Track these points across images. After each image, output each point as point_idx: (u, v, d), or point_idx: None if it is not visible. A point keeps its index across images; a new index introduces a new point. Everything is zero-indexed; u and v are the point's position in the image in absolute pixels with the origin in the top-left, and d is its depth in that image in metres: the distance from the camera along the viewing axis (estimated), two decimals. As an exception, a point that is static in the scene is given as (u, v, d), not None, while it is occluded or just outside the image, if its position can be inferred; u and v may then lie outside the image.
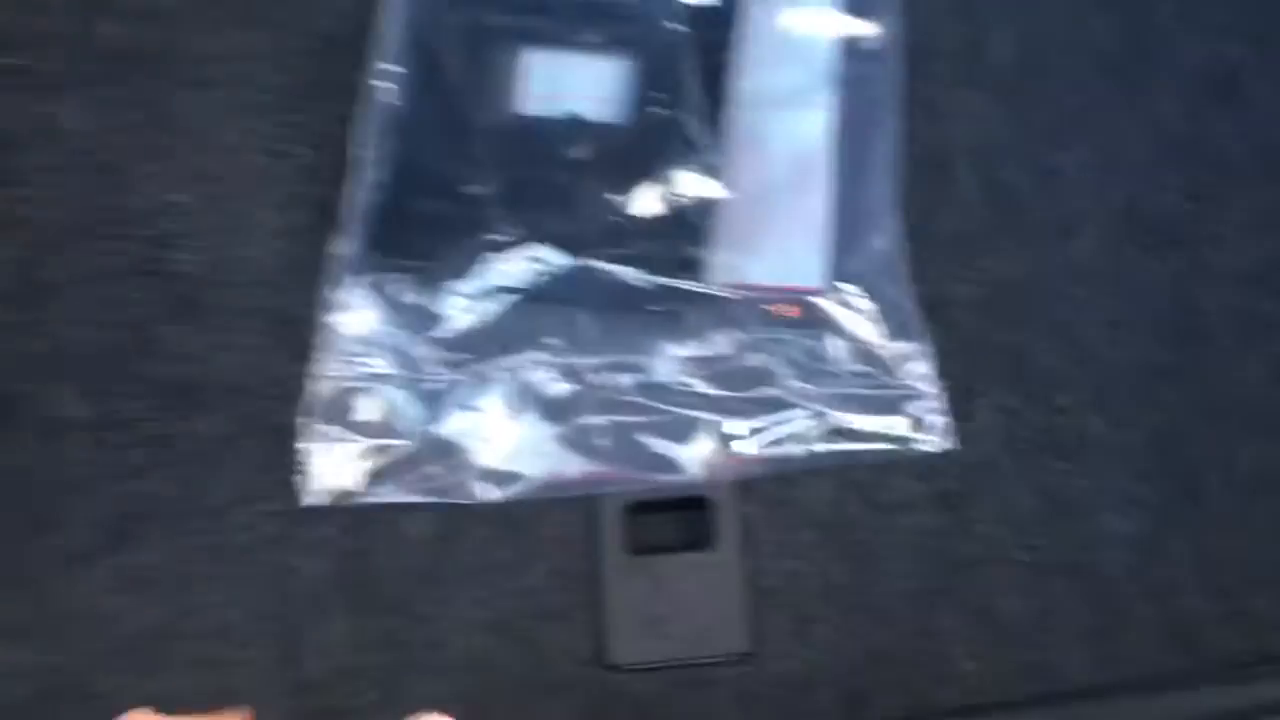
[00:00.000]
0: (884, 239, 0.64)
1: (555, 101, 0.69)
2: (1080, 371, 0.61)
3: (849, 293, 0.62)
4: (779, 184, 0.67)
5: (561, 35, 0.71)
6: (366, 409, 0.61)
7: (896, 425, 0.59)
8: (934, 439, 0.58)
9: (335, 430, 0.60)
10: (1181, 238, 0.63)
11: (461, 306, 0.62)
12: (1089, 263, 0.63)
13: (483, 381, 0.61)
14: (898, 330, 0.61)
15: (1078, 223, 0.63)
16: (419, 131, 0.68)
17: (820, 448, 0.59)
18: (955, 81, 0.67)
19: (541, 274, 0.62)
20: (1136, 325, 0.61)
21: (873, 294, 0.62)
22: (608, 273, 0.62)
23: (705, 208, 0.64)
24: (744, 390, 0.60)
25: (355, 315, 0.63)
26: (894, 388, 0.60)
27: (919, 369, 0.60)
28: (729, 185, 0.65)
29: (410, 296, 0.63)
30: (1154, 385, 0.60)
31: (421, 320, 0.62)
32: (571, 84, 0.70)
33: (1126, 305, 0.62)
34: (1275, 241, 0.62)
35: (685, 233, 0.64)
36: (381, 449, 0.60)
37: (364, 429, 0.60)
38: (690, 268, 0.63)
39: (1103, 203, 0.64)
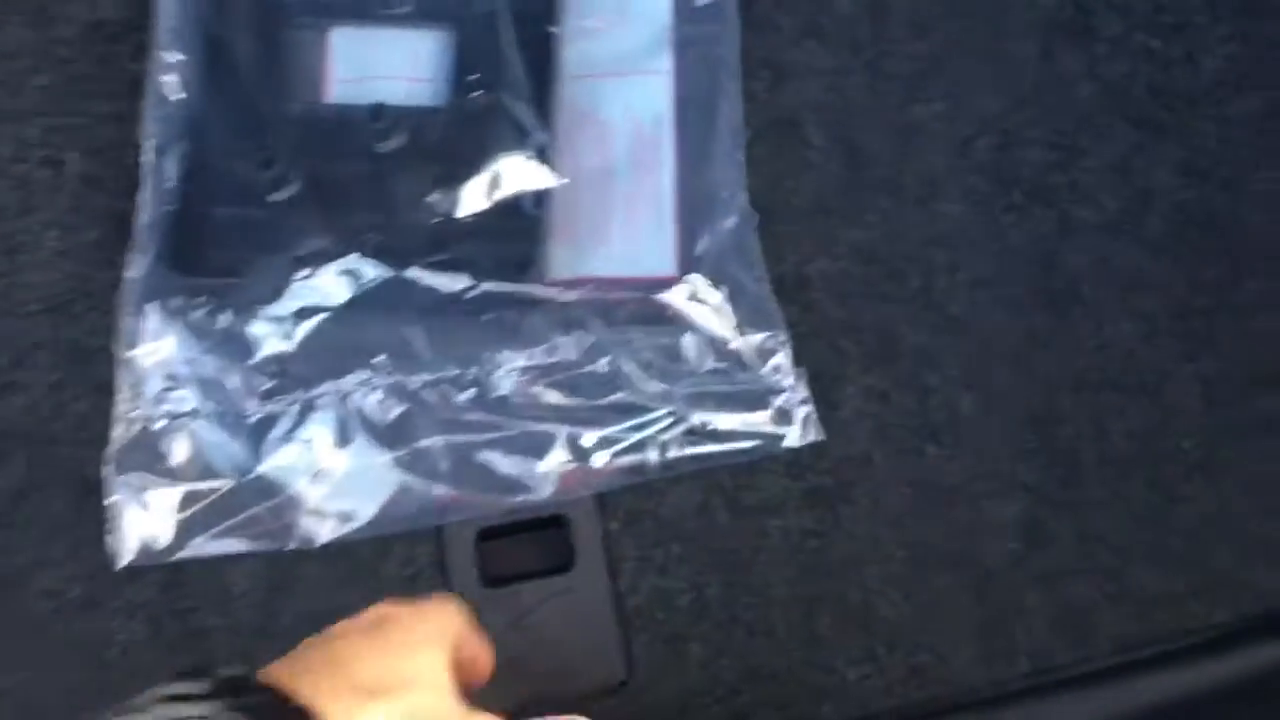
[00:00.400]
0: (734, 217, 0.59)
1: (363, 86, 0.63)
2: (949, 346, 0.58)
3: (700, 281, 0.57)
4: (619, 163, 0.62)
5: (365, 9, 0.64)
6: (178, 451, 0.55)
7: (758, 422, 0.55)
8: (798, 433, 0.54)
9: (145, 478, 0.54)
10: (1046, 192, 0.59)
11: (275, 329, 0.57)
12: (953, 226, 0.59)
13: (306, 410, 0.56)
14: (754, 318, 0.57)
15: (939, 182, 0.60)
16: (212, 129, 0.61)
17: (680, 452, 0.55)
18: (799, 35, 0.63)
19: (361, 286, 0.56)
20: (1005, 291, 0.59)
21: (725, 280, 0.57)
22: (434, 280, 0.56)
23: (538, 198, 0.59)
24: (594, 397, 0.56)
25: (157, 345, 0.57)
26: (754, 382, 0.56)
27: (779, 359, 0.56)
28: (563, 170, 0.60)
29: (218, 320, 0.57)
30: (1026, 355, 0.58)
31: (232, 346, 0.57)
32: (380, 65, 0.64)
33: (993, 269, 0.59)
34: (1135, 189, 0.59)
35: (517, 228, 0.59)
36: (199, 495, 0.54)
37: (177, 473, 0.54)
38: (526, 266, 0.58)
39: (964, 158, 0.60)
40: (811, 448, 0.57)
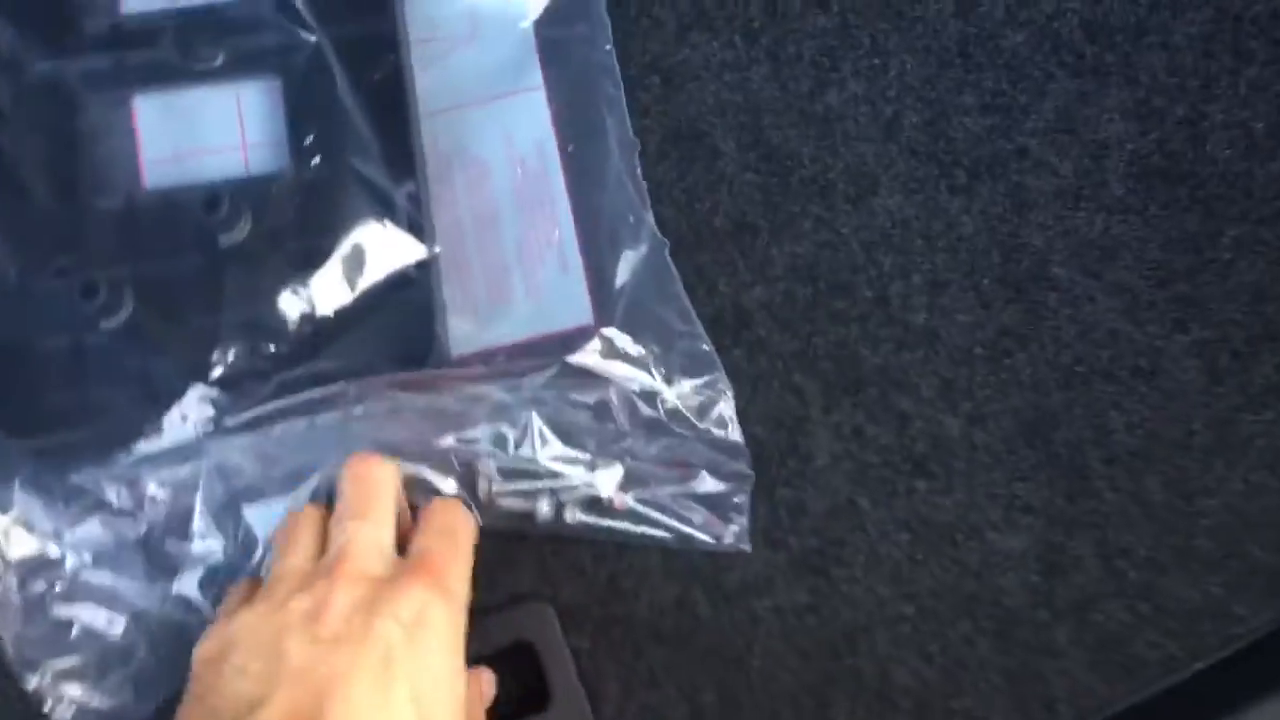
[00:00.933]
0: (644, 246, 0.52)
1: (185, 165, 0.53)
2: (918, 362, 0.52)
3: (616, 333, 0.49)
4: (505, 205, 0.54)
5: (168, 67, 0.54)
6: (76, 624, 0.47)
7: (692, 514, 0.48)
8: (730, 535, 0.48)
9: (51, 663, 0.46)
10: (991, 164, 0.54)
11: (143, 474, 0.47)
12: (897, 222, 0.53)
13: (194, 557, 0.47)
14: (687, 364, 0.49)
15: (872, 174, 0.53)
16: (13, 253, 0.50)
17: (626, 527, 0.48)
18: (683, 28, 0.55)
19: (226, 411, 0.47)
20: (967, 288, 0.52)
21: (647, 323, 0.50)
22: (310, 394, 0.47)
23: (416, 267, 0.50)
24: (515, 481, 0.48)
25: (17, 529, 0.48)
26: (695, 440, 0.49)
27: (721, 409, 0.49)
28: (441, 225, 0.52)
29: (75, 478, 0.48)
30: (1004, 357, 0.51)
31: (95, 503, 0.47)
32: (200, 134, 0.54)
33: (951, 265, 0.53)
34: (1088, 145, 0.53)
35: (399, 310, 0.49)
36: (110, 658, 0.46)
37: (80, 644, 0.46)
38: (421, 356, 0.49)
39: (893, 141, 0.53)
40: (789, 509, 0.50)
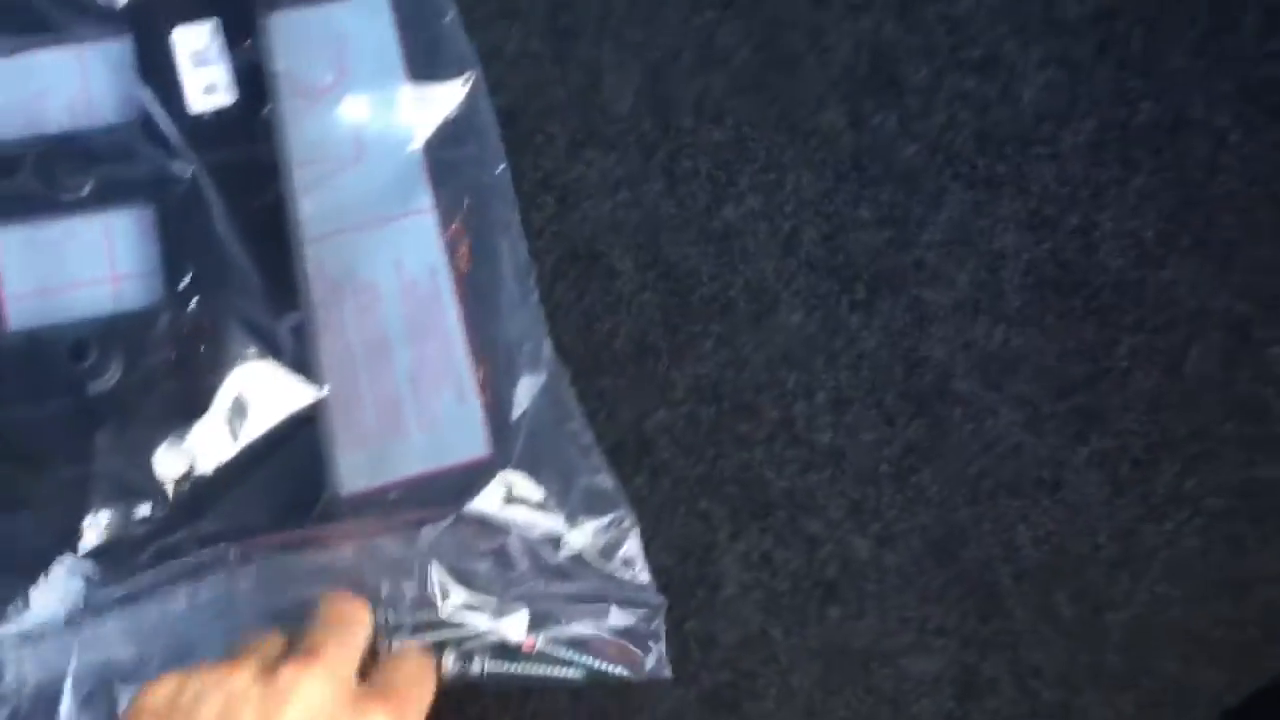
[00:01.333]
0: (542, 374, 0.50)
1: (51, 301, 0.51)
2: (825, 482, 0.51)
3: (513, 475, 0.48)
4: (396, 333, 0.52)
5: (32, 198, 0.51)
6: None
7: (602, 647, 0.47)
8: (650, 663, 0.47)
9: None
10: (890, 277, 0.55)
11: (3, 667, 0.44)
12: (798, 339, 0.54)
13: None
14: (589, 501, 0.48)
15: (772, 291, 0.53)
16: None
17: (539, 670, 0.46)
18: (576, 145, 0.54)
19: (98, 586, 0.44)
20: (871, 404, 0.52)
21: (545, 457, 0.48)
22: (198, 557, 0.45)
23: (305, 412, 0.48)
24: (419, 635, 0.46)
25: None
26: (599, 581, 0.47)
27: (627, 548, 0.48)
28: (329, 357, 0.50)
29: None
30: (909, 474, 0.51)
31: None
32: (66, 268, 0.51)
33: (853, 381, 0.53)
34: (983, 255, 0.53)
35: (287, 455, 0.47)
36: None
37: None
38: (308, 496, 0.47)
39: (792, 256, 0.53)
40: (699, 642, 0.48)
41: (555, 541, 0.49)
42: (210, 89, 0.52)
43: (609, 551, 0.49)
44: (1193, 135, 0.57)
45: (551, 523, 0.49)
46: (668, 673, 0.49)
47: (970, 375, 0.54)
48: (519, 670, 0.48)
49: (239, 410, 0.47)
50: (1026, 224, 0.56)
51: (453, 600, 0.47)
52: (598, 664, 0.48)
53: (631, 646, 0.49)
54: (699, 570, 0.50)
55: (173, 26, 0.53)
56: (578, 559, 0.48)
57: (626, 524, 0.49)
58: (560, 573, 0.48)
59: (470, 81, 0.54)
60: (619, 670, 0.48)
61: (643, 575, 0.48)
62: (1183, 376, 0.54)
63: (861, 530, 0.52)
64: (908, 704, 0.49)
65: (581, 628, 0.49)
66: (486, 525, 0.48)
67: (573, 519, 0.49)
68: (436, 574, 0.47)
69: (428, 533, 0.48)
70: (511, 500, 0.49)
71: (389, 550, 0.48)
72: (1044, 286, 0.55)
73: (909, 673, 0.50)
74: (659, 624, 0.49)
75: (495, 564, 0.48)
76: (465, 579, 0.48)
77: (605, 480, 0.50)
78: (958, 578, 0.51)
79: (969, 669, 0.50)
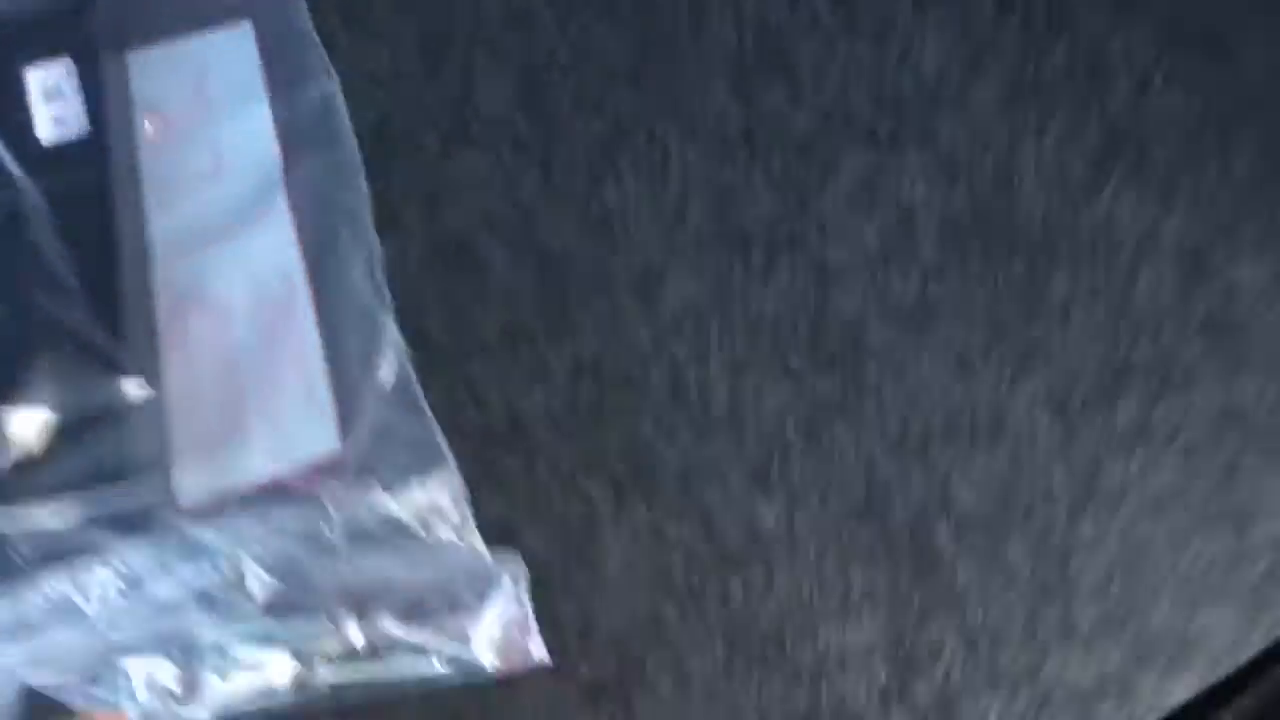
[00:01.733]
0: (392, 368, 0.46)
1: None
2: (723, 451, 0.45)
3: (362, 454, 0.43)
4: (246, 341, 0.48)
5: None
6: None
7: (452, 635, 0.40)
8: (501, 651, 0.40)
9: None
10: (790, 242, 0.49)
11: None
12: (689, 310, 0.48)
13: None
14: (417, 466, 0.43)
15: (660, 267, 0.48)
16: None
17: (392, 673, 0.39)
18: (447, 145, 0.51)
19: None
20: (773, 366, 0.47)
21: (390, 447, 0.43)
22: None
23: (136, 411, 0.44)
24: (244, 648, 0.39)
25: None
26: (440, 564, 0.41)
27: (450, 508, 0.42)
28: (170, 366, 0.46)
29: None
30: (822, 434, 0.45)
31: None
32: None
33: (752, 346, 0.47)
34: (892, 211, 0.49)
35: (112, 460, 0.43)
36: None
37: None
38: (142, 518, 0.42)
39: (681, 231, 0.49)
40: (577, 628, 0.41)
41: (376, 513, 0.43)
42: (60, 122, 0.52)
43: (435, 517, 0.43)
44: (1112, 78, 0.53)
45: (391, 506, 0.43)
46: (544, 659, 0.41)
47: (886, 327, 0.48)
48: (367, 678, 0.41)
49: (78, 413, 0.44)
50: (937, 175, 0.51)
51: (269, 596, 0.41)
52: (464, 656, 0.41)
53: (501, 635, 0.41)
54: (578, 553, 0.43)
55: (26, 64, 0.54)
56: (399, 527, 0.42)
57: (454, 485, 0.43)
58: (395, 550, 0.42)
59: (330, 96, 0.53)
60: (488, 662, 0.41)
61: (475, 543, 0.42)
62: (1134, 304, 0.47)
63: (767, 497, 0.44)
64: (832, 682, 0.40)
65: (438, 620, 0.42)
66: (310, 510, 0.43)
67: (395, 486, 0.43)
68: (252, 570, 0.41)
69: (244, 523, 0.42)
70: (354, 487, 0.44)
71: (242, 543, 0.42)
72: (962, 235, 0.50)
73: (832, 646, 0.41)
74: (525, 604, 0.42)
75: (315, 551, 0.42)
76: (283, 569, 0.42)
77: (441, 451, 0.44)
78: (885, 537, 0.43)
79: (906, 635, 0.41)
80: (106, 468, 0.45)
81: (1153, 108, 0.52)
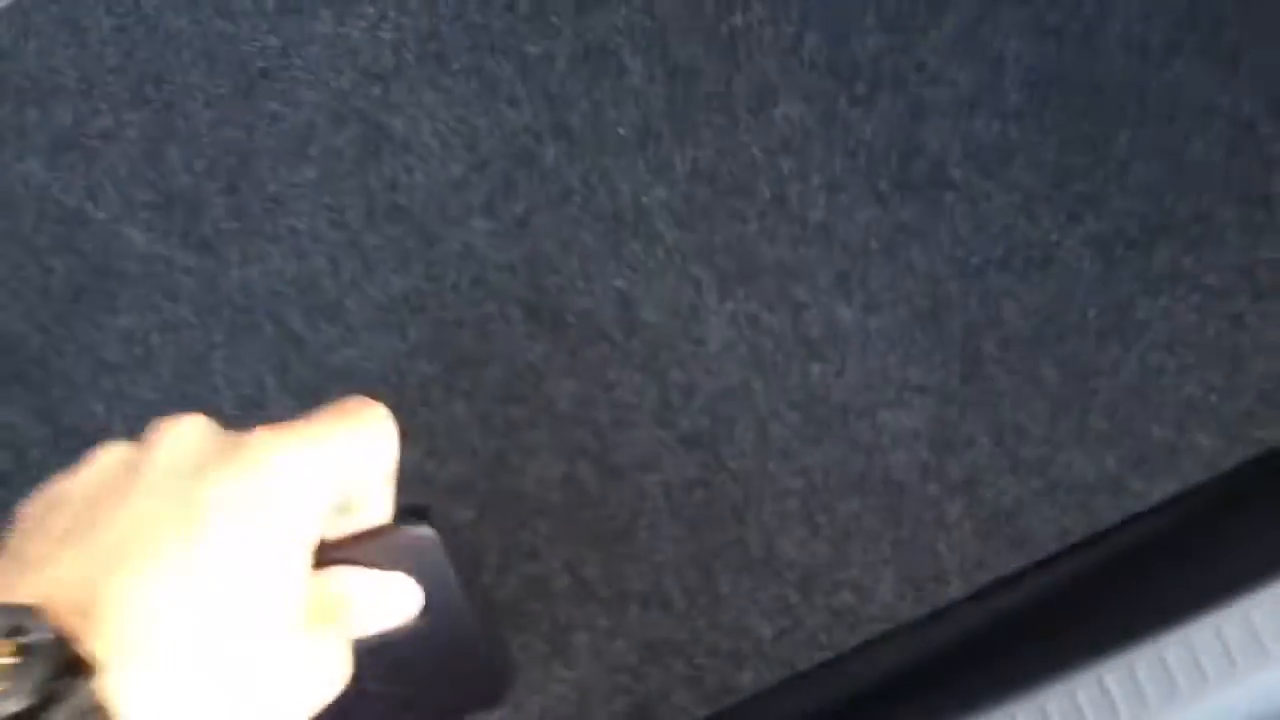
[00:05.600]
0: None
1: None
2: (815, 256, 0.55)
3: None
4: None
5: None
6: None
7: None
8: None
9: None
10: (892, 78, 0.57)
11: None
12: (796, 130, 0.57)
13: None
14: None
15: (774, 88, 0.57)
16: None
17: None
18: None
19: None
20: (864, 187, 0.55)
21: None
22: None
23: None
24: None
25: None
26: None
27: None
28: None
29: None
30: (899, 251, 0.53)
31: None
32: None
33: (849, 168, 0.56)
34: (986, 60, 0.55)
35: None
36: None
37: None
38: None
39: (796, 57, 0.55)
40: (680, 388, 0.50)
41: None
42: None
43: None
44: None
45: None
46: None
47: (965, 163, 0.55)
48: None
49: None
50: (1032, 30, 0.58)
51: None
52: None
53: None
54: (684, 327, 0.53)
55: None
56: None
57: None
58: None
59: None
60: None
61: None
62: (1184, 165, 0.54)
63: (847, 298, 0.53)
64: (883, 454, 0.50)
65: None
66: None
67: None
68: None
69: None
70: None
71: None
72: (1045, 85, 0.57)
73: (886, 426, 0.51)
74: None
75: None
76: None
77: None
78: (941, 343, 0.52)
79: (947, 425, 0.50)
80: None
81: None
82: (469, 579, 0.47)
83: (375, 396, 0.51)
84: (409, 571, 0.47)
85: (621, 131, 0.58)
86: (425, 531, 0.48)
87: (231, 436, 0.34)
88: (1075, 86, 0.58)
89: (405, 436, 0.51)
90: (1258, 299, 0.53)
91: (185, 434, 0.34)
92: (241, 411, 0.52)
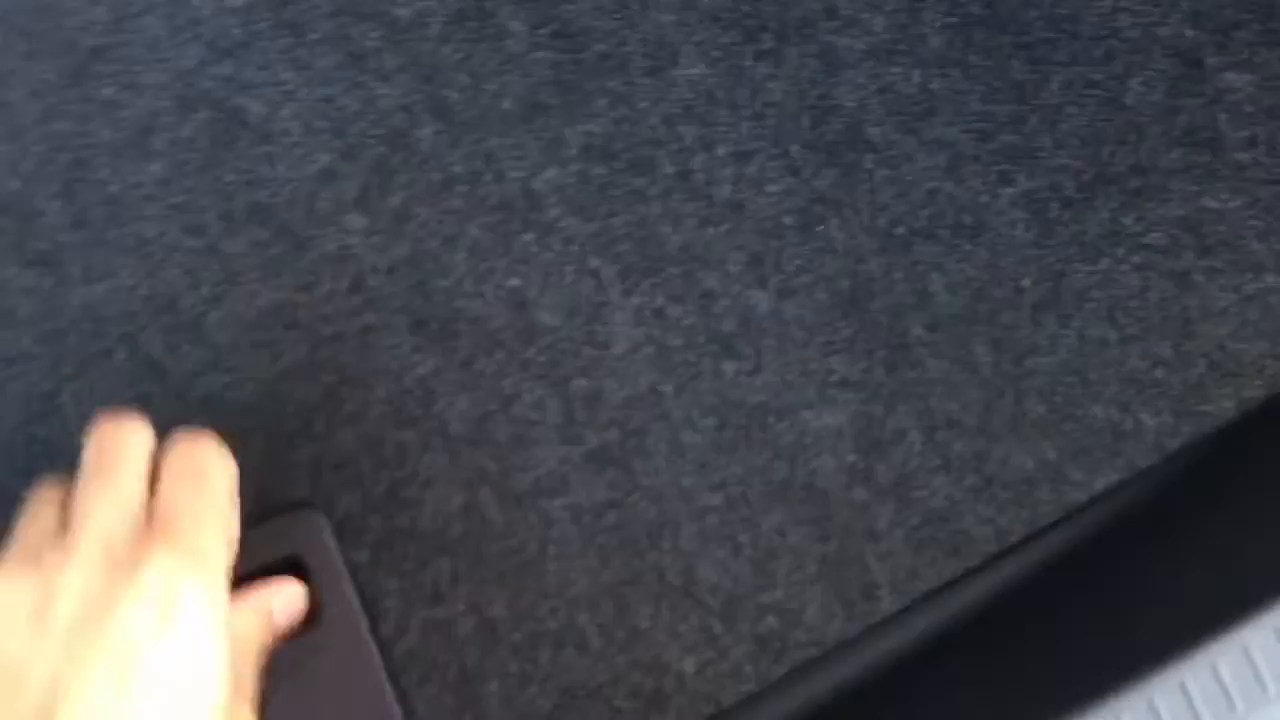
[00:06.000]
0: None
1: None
2: (723, 237, 0.50)
3: None
4: None
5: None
6: None
7: None
8: None
9: None
10: (799, 26, 0.52)
11: None
12: (698, 93, 0.52)
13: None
14: None
15: (671, 45, 0.51)
16: None
17: None
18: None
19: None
20: (775, 155, 0.50)
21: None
22: None
23: None
24: None
25: None
26: None
27: None
28: None
29: None
30: (816, 225, 0.49)
31: None
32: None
33: (756, 134, 0.50)
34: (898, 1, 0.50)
35: None
36: None
37: None
38: None
39: (693, 8, 0.50)
40: (584, 398, 0.46)
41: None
42: None
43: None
44: None
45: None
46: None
47: (885, 121, 0.51)
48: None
49: None
50: (950, -39, 0.52)
51: None
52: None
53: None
54: (586, 329, 0.48)
55: None
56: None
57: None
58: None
59: None
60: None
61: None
62: (1123, 108, 0.50)
63: (761, 284, 0.49)
64: (807, 459, 0.47)
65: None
66: None
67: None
68: None
69: None
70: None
71: None
72: (969, 26, 0.52)
73: (809, 427, 0.47)
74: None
75: None
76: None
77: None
78: (865, 329, 0.48)
79: (874, 421, 0.47)
80: None
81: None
82: (372, 628, 0.44)
83: (250, 429, 0.47)
84: (297, 553, 0.44)
85: (506, 106, 0.52)
86: (314, 515, 0.45)
87: (121, 564, 0.35)
88: (1000, 24, 0.52)
89: (286, 472, 0.47)
90: (1204, 254, 0.49)
91: (77, 576, 0.34)
92: (104, 455, 0.48)
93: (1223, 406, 0.47)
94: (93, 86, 0.52)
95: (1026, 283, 0.49)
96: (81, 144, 0.51)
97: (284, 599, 0.44)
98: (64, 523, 0.38)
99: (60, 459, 0.48)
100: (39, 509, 0.40)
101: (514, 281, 0.50)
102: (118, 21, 0.52)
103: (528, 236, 0.51)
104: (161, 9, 0.53)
